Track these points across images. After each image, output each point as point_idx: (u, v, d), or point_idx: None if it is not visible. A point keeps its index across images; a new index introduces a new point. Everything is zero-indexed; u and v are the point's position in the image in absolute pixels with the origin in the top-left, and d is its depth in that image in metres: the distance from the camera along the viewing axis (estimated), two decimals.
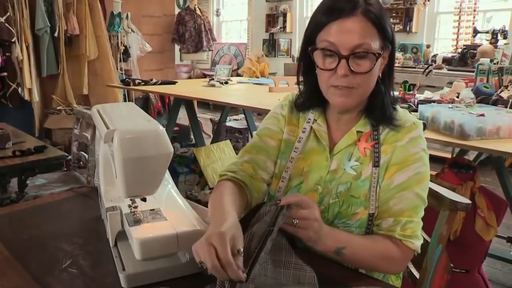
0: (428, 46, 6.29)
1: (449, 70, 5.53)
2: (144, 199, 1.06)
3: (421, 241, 1.11)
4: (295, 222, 0.94)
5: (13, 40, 4.34)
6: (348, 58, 1.04)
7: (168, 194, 1.22)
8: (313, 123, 1.22)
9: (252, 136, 4.84)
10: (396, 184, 1.11)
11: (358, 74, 1.06)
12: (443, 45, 6.66)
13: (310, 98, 1.22)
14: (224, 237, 0.84)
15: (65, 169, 3.07)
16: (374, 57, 1.05)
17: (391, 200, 1.11)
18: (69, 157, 2.73)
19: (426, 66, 4.94)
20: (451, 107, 2.24)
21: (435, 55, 5.99)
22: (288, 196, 1.02)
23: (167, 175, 1.23)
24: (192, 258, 1.00)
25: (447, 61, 5.73)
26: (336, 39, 1.04)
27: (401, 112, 1.18)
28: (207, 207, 1.41)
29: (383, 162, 1.13)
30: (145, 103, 5.71)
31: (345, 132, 1.18)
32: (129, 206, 1.08)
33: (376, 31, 1.05)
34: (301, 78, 1.23)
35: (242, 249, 0.84)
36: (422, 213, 1.12)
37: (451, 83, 3.23)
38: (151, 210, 1.10)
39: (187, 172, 4.02)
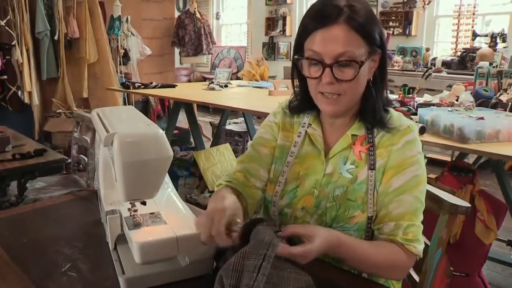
0: (427, 50, 6.31)
1: (448, 73, 5.54)
2: (143, 203, 1.06)
3: (423, 245, 1.11)
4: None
5: (13, 43, 4.34)
6: (332, 66, 1.05)
7: (167, 197, 1.22)
8: (307, 127, 1.24)
9: (251, 140, 4.83)
10: (394, 187, 1.11)
11: (343, 82, 1.07)
12: (443, 48, 6.67)
13: (304, 101, 1.24)
14: (223, 213, 0.96)
15: (65, 172, 3.07)
16: (357, 66, 1.05)
17: (391, 204, 1.11)
18: (69, 160, 2.72)
19: (425, 69, 4.94)
20: (451, 111, 2.24)
21: (434, 59, 6.00)
22: (292, 227, 1.00)
23: (167, 178, 1.23)
24: (192, 261, 1.01)
25: (446, 64, 5.74)
26: (320, 48, 1.05)
27: (396, 116, 1.18)
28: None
29: (379, 165, 1.14)
30: (145, 107, 5.72)
31: (340, 135, 1.19)
32: (129, 209, 1.08)
33: (360, 38, 1.05)
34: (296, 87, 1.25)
35: (240, 221, 0.97)
36: (421, 217, 1.12)
37: (450, 86, 3.23)
38: (150, 213, 1.10)
39: (186, 175, 4.02)
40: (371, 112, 1.15)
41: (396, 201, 1.11)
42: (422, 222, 1.12)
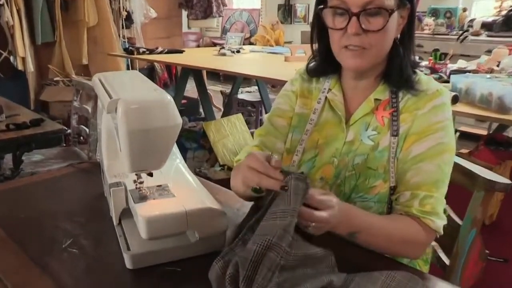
0: (464, 10, 6.13)
1: (488, 36, 5.36)
2: (150, 174, 1.07)
3: (444, 222, 1.10)
4: (312, 225, 0.94)
5: (1, 3, 4.30)
6: (358, 15, 1.05)
7: (176, 169, 1.23)
8: (328, 93, 1.24)
9: (265, 110, 4.83)
10: (414, 154, 1.11)
11: (370, 33, 1.07)
12: (484, 7, 6.45)
13: (324, 62, 1.24)
14: (255, 155, 0.99)
15: (64, 144, 3.09)
16: (387, 14, 1.05)
17: (408, 172, 1.11)
18: (69, 131, 2.74)
19: (461, 32, 4.83)
20: (490, 78, 2.20)
21: (472, 20, 5.81)
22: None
23: (175, 148, 1.24)
24: (202, 237, 1.02)
25: (486, 26, 5.55)
26: None
27: (424, 79, 1.18)
28: (218, 184, 1.43)
29: (403, 131, 1.14)
30: (150, 74, 5.72)
31: (362, 100, 1.20)
32: (134, 181, 1.09)
33: None
34: (315, 46, 1.24)
35: (272, 153, 1.02)
36: (444, 189, 1.11)
37: (490, 51, 3.17)
38: (158, 186, 1.11)
39: (195, 148, 4.04)
40: (397, 72, 1.15)
41: (414, 169, 1.11)
42: (452, 198, 1.11)
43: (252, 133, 3.95)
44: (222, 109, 5.51)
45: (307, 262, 0.92)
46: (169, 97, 0.97)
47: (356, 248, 1.08)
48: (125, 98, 0.95)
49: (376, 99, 1.18)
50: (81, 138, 2.90)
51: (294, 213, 0.89)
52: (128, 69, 5.37)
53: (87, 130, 2.70)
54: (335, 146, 1.20)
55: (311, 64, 1.28)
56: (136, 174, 1.08)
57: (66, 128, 2.57)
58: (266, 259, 0.85)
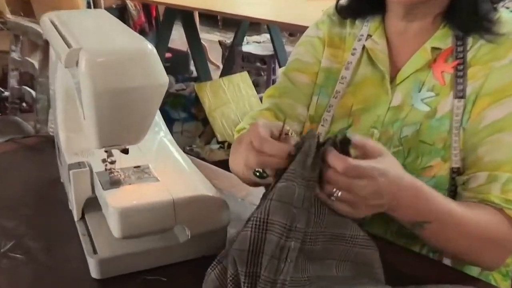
0: None
1: None
2: (125, 151, 1.08)
3: None
4: (336, 194, 0.88)
5: None
6: None
7: (160, 144, 1.25)
8: (366, 40, 1.25)
9: (280, 67, 4.81)
10: (488, 122, 1.10)
11: None
12: None
13: None
14: (256, 129, 0.92)
15: (0, 113, 3.11)
16: None
17: (481, 146, 1.10)
18: (5, 94, 2.75)
19: None
20: None
21: None
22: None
23: (159, 117, 1.26)
24: (195, 236, 1.05)
25: None
26: None
27: (508, 18, 1.15)
28: (216, 166, 1.45)
29: (471, 91, 1.12)
30: (120, 17, 5.71)
31: (414, 50, 1.19)
32: (104, 161, 1.11)
33: None
34: None
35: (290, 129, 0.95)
36: None
37: None
38: (135, 167, 1.14)
39: (185, 118, 4.04)
40: (467, 8, 1.12)
41: (490, 142, 1.09)
42: None
43: (261, 98, 3.96)
44: (221, 66, 5.51)
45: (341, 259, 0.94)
46: (150, 46, 0.97)
47: (403, 251, 1.10)
48: (90, 48, 0.95)
49: (434, 48, 1.17)
50: (24, 104, 2.90)
51: (292, 177, 0.87)
52: (89, 7, 5.37)
53: (33, 92, 2.71)
54: (376, 113, 1.21)
55: (343, 1, 1.28)
56: (105, 151, 1.09)
57: (2, 90, 2.57)
58: (267, 245, 0.84)
